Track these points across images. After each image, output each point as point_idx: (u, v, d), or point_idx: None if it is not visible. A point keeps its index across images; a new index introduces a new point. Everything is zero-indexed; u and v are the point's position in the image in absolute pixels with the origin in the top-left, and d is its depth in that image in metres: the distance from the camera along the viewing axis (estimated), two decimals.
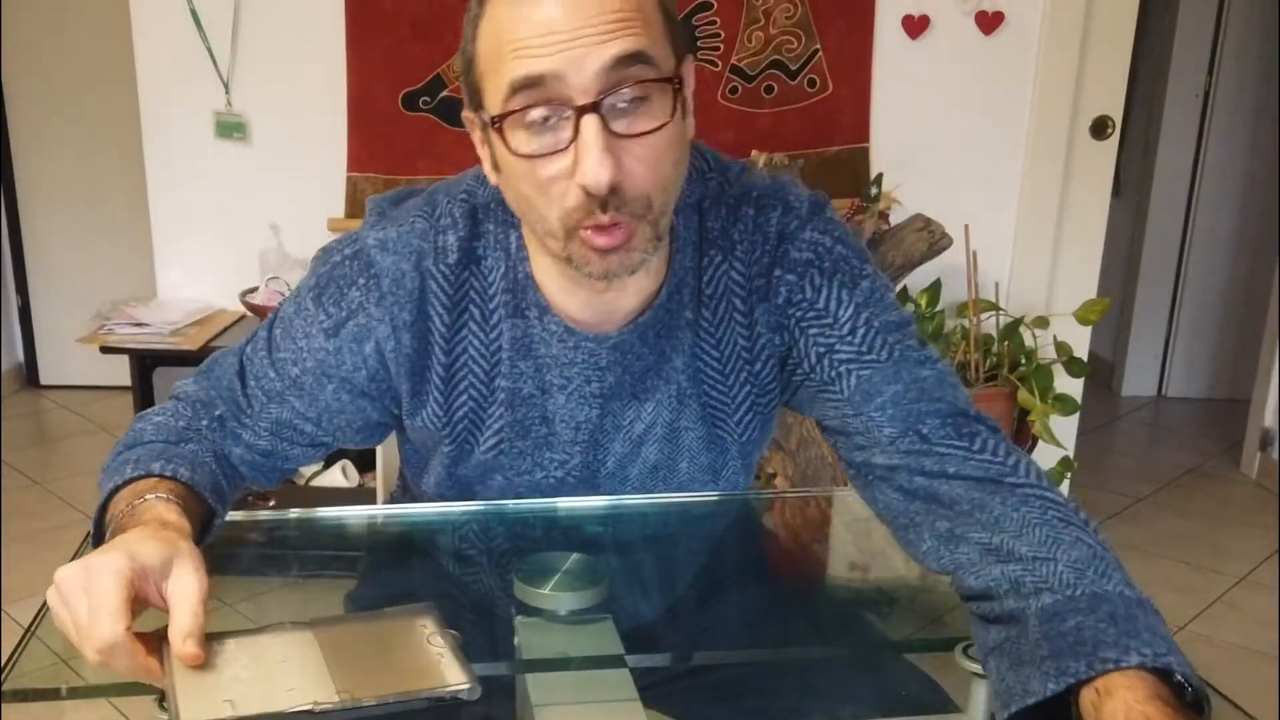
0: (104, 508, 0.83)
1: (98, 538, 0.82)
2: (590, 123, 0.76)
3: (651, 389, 0.95)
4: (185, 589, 0.68)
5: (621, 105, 0.77)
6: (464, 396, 0.95)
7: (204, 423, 0.94)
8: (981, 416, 0.87)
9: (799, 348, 0.92)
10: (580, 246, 0.81)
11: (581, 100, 0.75)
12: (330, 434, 0.97)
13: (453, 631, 0.71)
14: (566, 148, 0.77)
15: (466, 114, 0.86)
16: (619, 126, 0.77)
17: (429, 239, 0.91)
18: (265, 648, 0.69)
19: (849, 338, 0.89)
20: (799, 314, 0.91)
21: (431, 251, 0.91)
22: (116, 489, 0.83)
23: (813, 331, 0.91)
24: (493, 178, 0.87)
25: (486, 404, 0.95)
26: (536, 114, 0.77)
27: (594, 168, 0.75)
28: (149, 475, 0.83)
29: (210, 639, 0.69)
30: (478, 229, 0.92)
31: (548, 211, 0.81)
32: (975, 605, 0.78)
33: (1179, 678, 0.65)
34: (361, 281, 0.91)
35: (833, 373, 0.90)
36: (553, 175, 0.79)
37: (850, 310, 0.90)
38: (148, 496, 0.79)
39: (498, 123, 0.79)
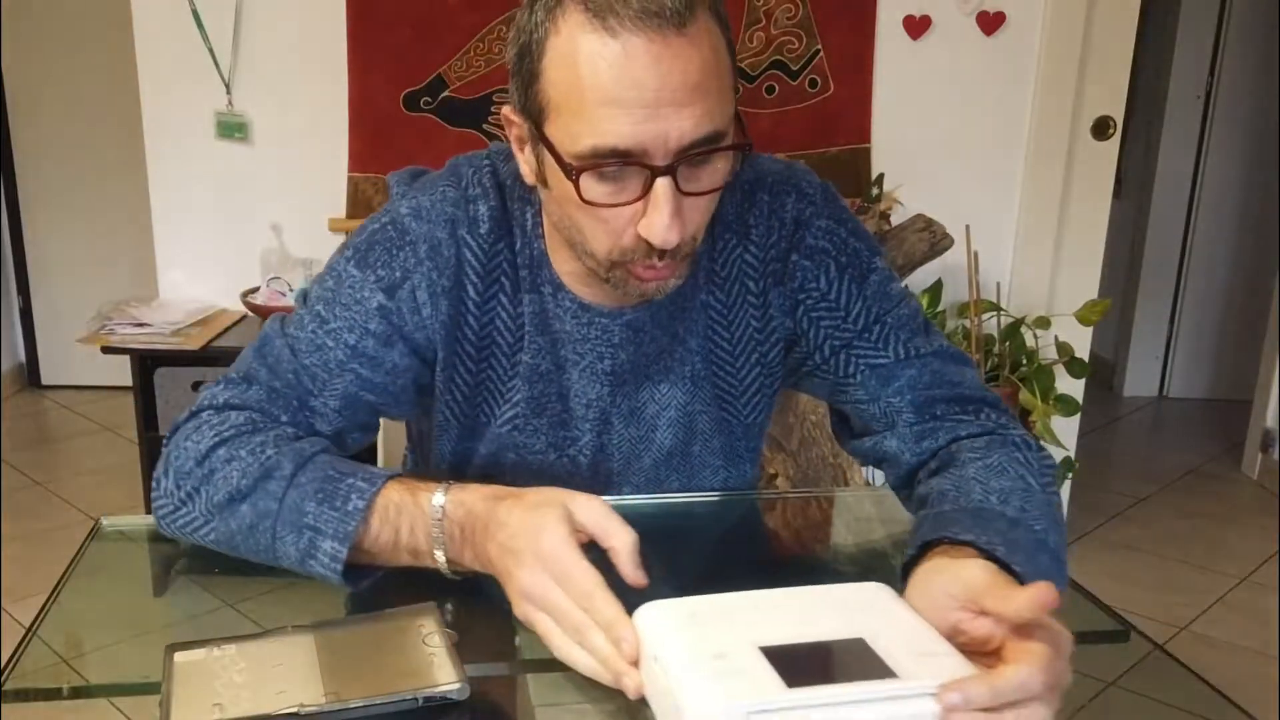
0: (353, 540, 0.78)
1: (355, 575, 0.79)
2: (664, 185, 0.77)
3: (665, 370, 0.96)
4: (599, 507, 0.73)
5: (691, 164, 0.78)
6: (489, 367, 0.95)
7: (289, 429, 0.88)
8: (986, 397, 0.95)
9: (809, 338, 0.95)
10: (623, 274, 0.83)
11: (658, 163, 0.76)
12: (387, 403, 0.94)
13: (450, 631, 0.71)
14: (636, 199, 0.78)
15: (509, 114, 0.84)
16: (686, 184, 0.78)
17: (461, 207, 0.91)
18: (265, 652, 0.69)
19: (865, 334, 0.93)
20: (811, 302, 0.94)
21: (465, 220, 0.91)
22: (363, 516, 0.78)
23: (825, 324, 0.94)
24: (530, 179, 0.86)
25: (508, 378, 0.95)
26: (612, 170, 0.77)
27: (664, 230, 0.77)
28: (386, 483, 0.80)
29: (212, 645, 0.69)
30: (505, 202, 0.92)
31: (597, 244, 0.82)
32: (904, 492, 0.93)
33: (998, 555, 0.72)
34: (405, 246, 0.90)
35: (850, 367, 0.94)
36: (613, 218, 0.80)
37: (860, 305, 0.93)
38: (436, 495, 0.77)
39: (575, 174, 0.78)
